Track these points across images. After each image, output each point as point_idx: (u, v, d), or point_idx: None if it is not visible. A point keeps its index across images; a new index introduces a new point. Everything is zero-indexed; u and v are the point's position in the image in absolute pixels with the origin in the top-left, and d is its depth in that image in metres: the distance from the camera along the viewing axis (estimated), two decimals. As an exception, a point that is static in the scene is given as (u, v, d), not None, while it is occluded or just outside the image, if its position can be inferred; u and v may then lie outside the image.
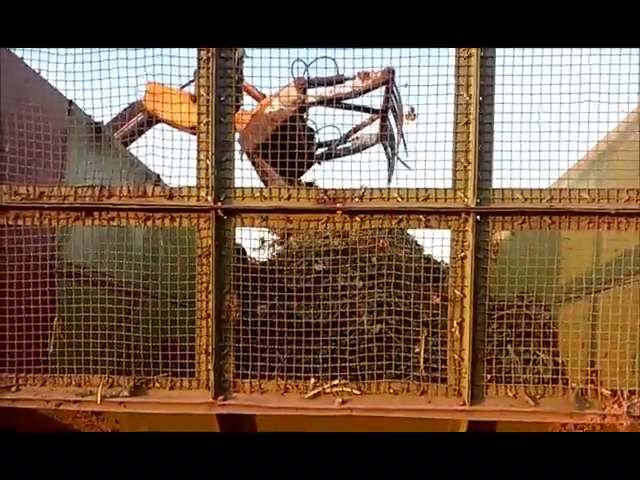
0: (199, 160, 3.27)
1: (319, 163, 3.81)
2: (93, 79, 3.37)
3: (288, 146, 3.32)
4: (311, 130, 4.32)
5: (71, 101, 3.88)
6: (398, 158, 4.26)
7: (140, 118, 4.72)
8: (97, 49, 3.28)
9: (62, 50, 3.32)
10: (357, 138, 4.80)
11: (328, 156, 4.51)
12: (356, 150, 4.54)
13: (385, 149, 4.74)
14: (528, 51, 3.11)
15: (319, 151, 4.55)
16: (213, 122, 3.24)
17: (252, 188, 3.29)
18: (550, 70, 3.12)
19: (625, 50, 3.06)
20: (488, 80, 3.15)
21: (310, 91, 4.27)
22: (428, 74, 3.17)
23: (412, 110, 3.38)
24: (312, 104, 4.32)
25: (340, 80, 4.20)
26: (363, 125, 4.80)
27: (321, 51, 3.54)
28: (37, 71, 3.47)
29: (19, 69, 3.56)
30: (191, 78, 4.11)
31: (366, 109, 4.63)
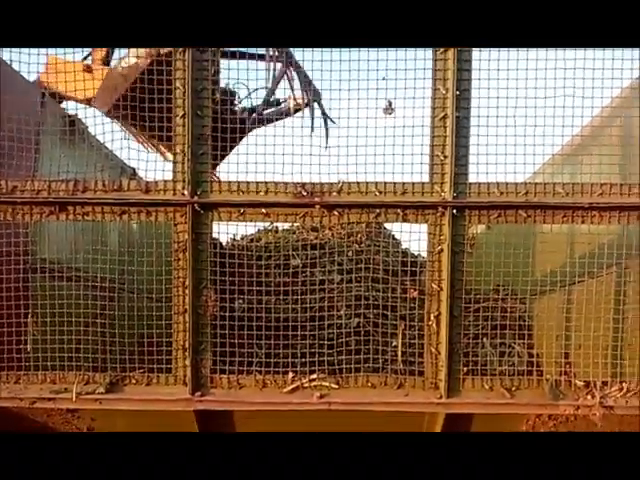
0: (175, 154, 3.24)
1: (250, 130, 3.67)
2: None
3: (148, 100, 3.16)
4: (232, 94, 4.04)
5: (44, 93, 3.82)
6: (324, 114, 4.00)
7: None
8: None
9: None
10: (285, 100, 4.53)
11: (255, 122, 4.21)
12: (280, 115, 4.24)
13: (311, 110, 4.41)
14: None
15: (249, 117, 4.26)
16: (189, 115, 3.20)
17: (229, 182, 3.27)
18: (526, 65, 3.15)
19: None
20: (465, 74, 3.16)
21: None
22: (405, 68, 3.18)
23: (390, 104, 3.36)
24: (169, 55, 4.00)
25: None
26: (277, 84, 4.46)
27: (299, 51, 3.51)
28: (9, 63, 3.41)
29: None
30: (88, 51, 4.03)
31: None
